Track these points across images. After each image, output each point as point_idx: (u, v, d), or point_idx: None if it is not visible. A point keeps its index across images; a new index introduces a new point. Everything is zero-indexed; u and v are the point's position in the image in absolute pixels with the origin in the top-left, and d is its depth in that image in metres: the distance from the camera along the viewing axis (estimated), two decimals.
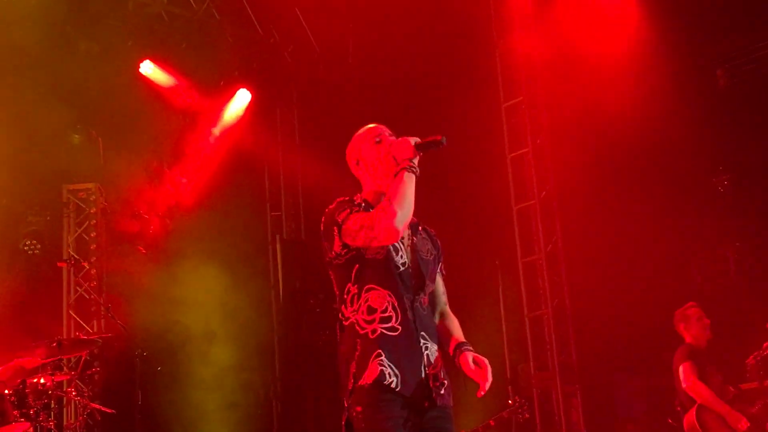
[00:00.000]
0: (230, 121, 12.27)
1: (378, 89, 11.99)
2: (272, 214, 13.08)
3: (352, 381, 4.13)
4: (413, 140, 4.42)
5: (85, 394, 8.96)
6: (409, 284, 4.27)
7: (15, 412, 7.95)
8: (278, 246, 12.59)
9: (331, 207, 4.45)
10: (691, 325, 7.77)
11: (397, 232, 4.16)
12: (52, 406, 8.98)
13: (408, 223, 4.25)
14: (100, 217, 11.28)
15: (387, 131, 4.63)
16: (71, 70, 10.56)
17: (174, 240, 11.38)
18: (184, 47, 11.78)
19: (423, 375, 4.16)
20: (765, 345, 7.71)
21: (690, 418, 7.47)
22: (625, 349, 10.91)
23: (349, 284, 4.29)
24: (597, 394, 11.37)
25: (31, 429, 7.95)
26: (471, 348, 4.34)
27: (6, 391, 8.01)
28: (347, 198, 4.46)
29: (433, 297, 4.48)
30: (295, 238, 12.93)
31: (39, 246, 10.95)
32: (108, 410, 8.92)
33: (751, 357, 7.90)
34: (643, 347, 10.43)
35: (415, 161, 4.36)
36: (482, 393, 4.23)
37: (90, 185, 11.33)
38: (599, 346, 11.23)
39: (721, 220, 10.53)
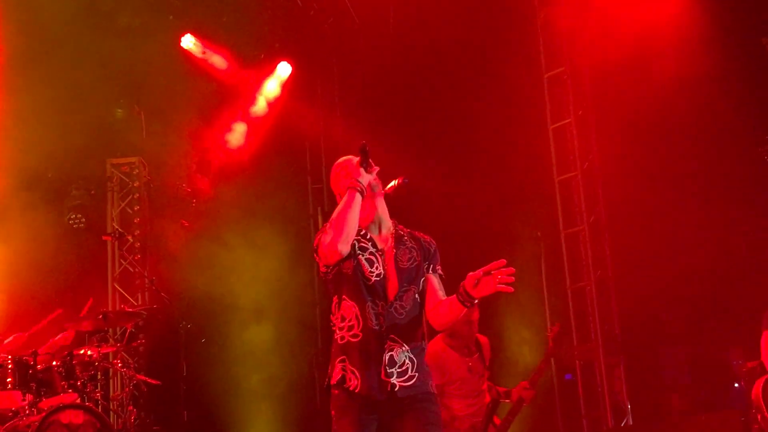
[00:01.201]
0: (271, 94, 12.28)
1: (418, 60, 11.94)
2: (313, 186, 13.10)
3: (327, 380, 4.74)
4: (355, 159, 4.85)
5: (131, 366, 9.07)
6: (383, 293, 4.71)
7: (63, 383, 8.08)
8: (320, 218, 12.62)
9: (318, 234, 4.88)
10: None
11: (336, 251, 4.64)
12: (99, 377, 9.10)
13: (350, 241, 4.66)
14: (144, 191, 11.37)
15: (352, 163, 4.94)
16: (113, 45, 10.60)
17: (216, 214, 11.44)
18: (225, 21, 11.78)
19: (384, 374, 4.61)
20: None
21: (758, 385, 7.40)
22: (668, 320, 10.84)
23: (335, 296, 4.81)
24: (640, 365, 11.31)
25: (79, 400, 8.07)
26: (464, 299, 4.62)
27: (54, 363, 8.14)
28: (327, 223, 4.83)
29: (423, 296, 4.83)
30: None
31: (84, 220, 11.06)
32: (153, 381, 9.03)
33: None
34: (687, 318, 10.36)
35: (363, 179, 4.76)
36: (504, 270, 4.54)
37: (133, 159, 11.42)
38: (642, 317, 11.16)
39: (766, 189, 10.38)
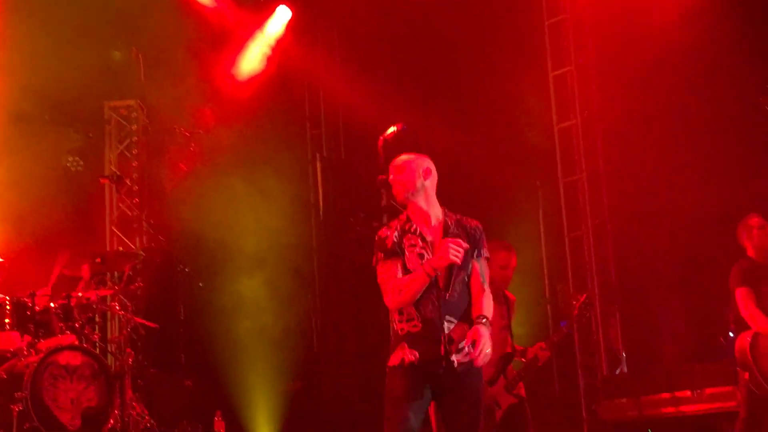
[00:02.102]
0: (270, 38, 12.19)
1: (419, 5, 11.84)
2: (312, 132, 13.04)
3: (388, 364, 5.16)
4: (453, 255, 5.05)
5: (129, 309, 9.10)
6: (435, 283, 5.07)
7: (61, 325, 8.12)
8: (318, 164, 12.60)
9: (378, 235, 5.39)
10: (753, 236, 7.40)
11: (393, 308, 5.14)
12: (97, 319, 9.17)
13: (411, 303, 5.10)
14: (142, 134, 11.34)
15: (393, 167, 5.46)
16: None
17: (214, 158, 11.41)
18: None
19: (443, 352, 5.02)
20: None
21: (744, 340, 7.24)
22: (664, 269, 10.86)
23: None
24: (636, 314, 11.36)
25: (77, 341, 8.12)
26: (483, 322, 5.11)
27: (52, 305, 8.18)
28: (384, 234, 5.35)
29: (468, 280, 5.23)
30: (336, 157, 12.92)
31: (81, 163, 11.05)
32: (151, 324, 9.07)
33: None
34: (684, 267, 10.39)
35: (438, 269, 5.07)
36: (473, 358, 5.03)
37: (131, 102, 11.37)
38: (639, 266, 11.19)
39: (766, 139, 10.35)
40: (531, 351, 7.29)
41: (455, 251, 5.02)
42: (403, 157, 5.46)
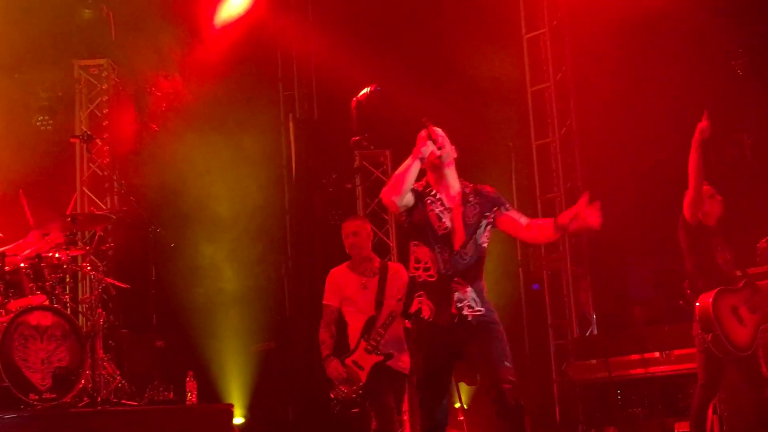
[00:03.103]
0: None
1: None
2: (285, 93, 12.95)
3: (404, 307, 5.66)
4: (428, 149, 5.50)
5: (100, 269, 9.05)
6: (450, 243, 5.46)
7: (31, 285, 8.07)
8: (291, 125, 12.54)
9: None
10: (705, 204, 7.54)
11: (391, 202, 5.45)
12: (68, 280, 9.12)
13: (402, 196, 5.41)
14: (112, 94, 11.23)
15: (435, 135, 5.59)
16: None
17: (186, 118, 11.32)
18: None
19: (455, 308, 5.39)
20: None
21: (705, 303, 7.24)
22: (635, 233, 10.93)
23: (411, 241, 5.61)
24: (606, 277, 11.47)
25: (47, 301, 8.08)
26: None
27: (22, 265, 8.12)
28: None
29: (479, 240, 5.56)
30: (308, 118, 12.86)
31: (51, 122, 10.94)
32: (122, 285, 9.04)
33: (763, 241, 7.86)
34: (654, 231, 10.45)
35: (425, 150, 5.45)
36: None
37: (101, 61, 11.24)
38: (610, 229, 11.17)
39: (738, 104, 10.40)
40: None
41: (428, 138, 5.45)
42: (436, 127, 5.65)
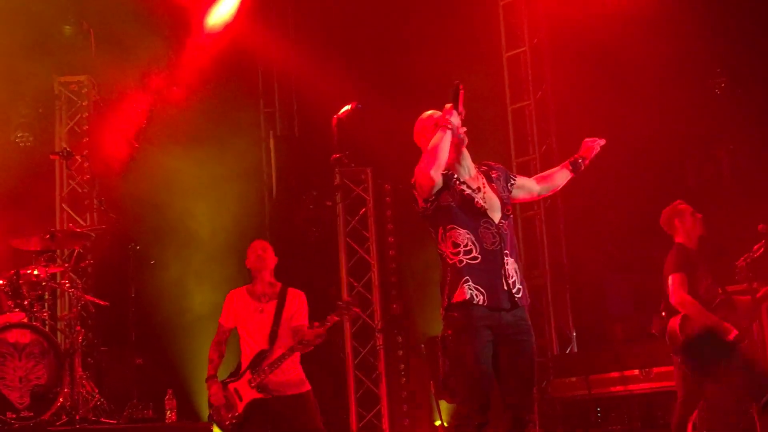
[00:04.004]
0: (224, 15, 12.07)
1: None
2: (265, 110, 12.98)
3: (447, 300, 5.19)
4: (447, 105, 5.35)
5: (79, 286, 9.01)
6: (490, 218, 5.26)
7: (9, 303, 8.02)
8: (272, 142, 12.55)
9: None
10: (686, 220, 7.51)
11: (429, 177, 5.16)
12: (46, 297, 9.06)
13: (440, 169, 5.19)
14: (93, 110, 11.21)
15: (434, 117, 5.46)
16: None
17: (166, 135, 11.32)
18: None
19: (505, 287, 5.18)
20: (755, 247, 7.61)
21: (674, 325, 7.33)
22: (615, 249, 10.98)
23: (440, 228, 5.29)
24: (586, 294, 11.49)
25: (26, 319, 8.03)
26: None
27: (0, 282, 8.07)
28: None
29: (510, 214, 5.41)
30: (289, 135, 12.87)
31: (31, 138, 10.93)
32: (101, 302, 9.00)
33: (742, 259, 7.89)
34: (634, 247, 10.51)
35: (454, 120, 5.28)
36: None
37: (82, 78, 11.23)
38: (589, 248, 11.30)
39: (716, 122, 10.48)
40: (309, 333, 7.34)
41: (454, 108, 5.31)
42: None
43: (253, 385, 7.14)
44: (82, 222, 10.82)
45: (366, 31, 12.02)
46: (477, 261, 5.17)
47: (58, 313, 9.98)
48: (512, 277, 5.21)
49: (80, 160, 10.89)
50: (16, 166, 10.49)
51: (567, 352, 11.38)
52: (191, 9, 11.86)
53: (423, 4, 11.75)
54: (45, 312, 8.61)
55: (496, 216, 5.27)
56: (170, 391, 8.65)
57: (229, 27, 11.93)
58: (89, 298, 8.90)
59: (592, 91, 10.94)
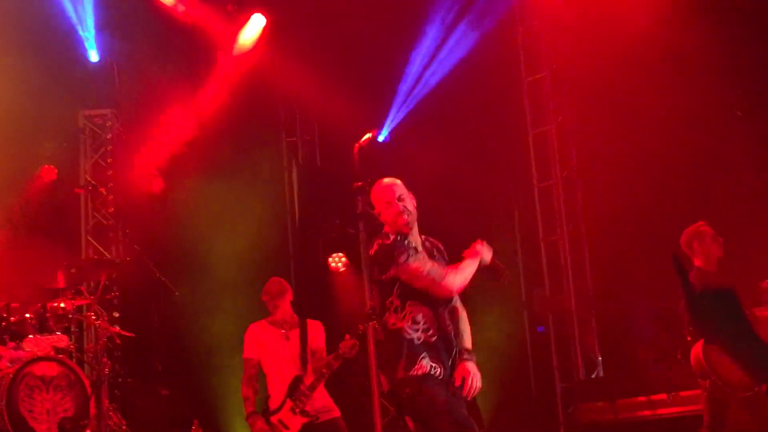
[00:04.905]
0: (245, 46, 12.17)
1: (395, 20, 11.90)
2: (288, 140, 13.04)
3: (403, 372, 5.26)
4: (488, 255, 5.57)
5: (105, 318, 9.05)
6: (445, 300, 5.39)
7: (36, 335, 8.06)
8: (294, 172, 12.60)
9: (385, 243, 5.48)
10: (705, 243, 7.47)
11: (452, 295, 5.39)
12: (72, 329, 9.12)
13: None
14: (117, 143, 11.30)
15: (397, 193, 5.60)
16: None
17: (189, 167, 11.39)
18: None
19: (450, 363, 5.31)
20: None
21: (697, 351, 7.31)
22: (640, 274, 10.92)
23: (392, 298, 5.38)
24: (612, 318, 11.43)
25: (53, 352, 8.08)
26: (467, 356, 5.39)
27: (27, 315, 8.13)
28: (391, 239, 5.49)
29: None
30: (311, 164, 12.93)
31: (56, 172, 10.99)
32: (127, 334, 9.03)
33: (766, 281, 7.84)
34: (658, 271, 10.43)
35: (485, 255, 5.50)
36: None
37: (106, 111, 11.33)
38: (614, 271, 11.25)
39: (738, 144, 10.43)
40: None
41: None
42: (392, 183, 5.67)
43: (296, 411, 7.17)
44: (107, 254, 10.90)
45: (386, 60, 12.07)
46: (434, 338, 5.30)
47: (85, 345, 10.03)
48: (463, 355, 5.36)
49: (104, 193, 10.97)
50: (42, 201, 10.59)
51: (593, 376, 11.31)
52: (213, 42, 11.97)
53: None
54: (71, 344, 8.66)
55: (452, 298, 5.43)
56: (196, 422, 8.66)
57: (249, 59, 12.03)
58: (115, 329, 8.94)
59: (613, 114, 10.91)
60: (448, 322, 5.34)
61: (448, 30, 11.83)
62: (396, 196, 5.56)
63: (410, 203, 5.54)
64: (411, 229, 5.50)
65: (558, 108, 11.79)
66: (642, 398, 9.86)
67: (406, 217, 5.49)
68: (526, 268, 11.90)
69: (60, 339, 7.88)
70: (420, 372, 5.22)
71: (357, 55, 12.14)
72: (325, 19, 12.62)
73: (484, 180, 11.77)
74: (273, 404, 7.36)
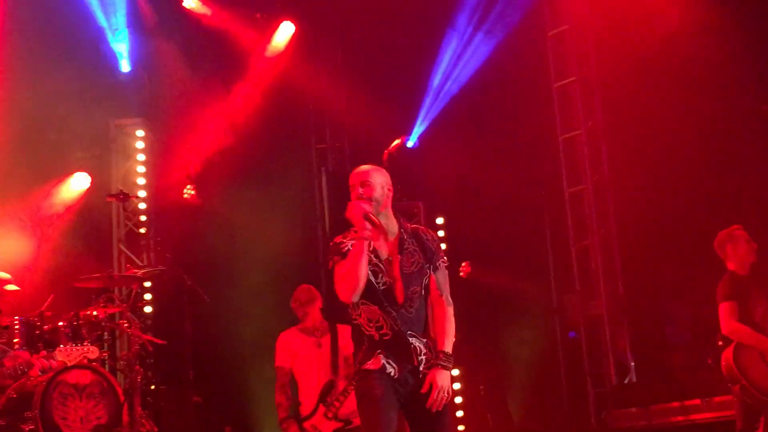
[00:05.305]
0: (274, 53, 12.22)
1: (423, 25, 11.92)
2: (317, 146, 13.06)
3: (359, 365, 5.14)
4: (364, 211, 5.13)
5: (137, 326, 9.10)
6: (392, 298, 5.12)
7: (70, 343, 8.12)
8: (324, 178, 12.62)
9: (333, 242, 5.31)
10: (739, 247, 7.43)
11: (348, 299, 5.09)
12: (105, 337, 9.17)
13: (360, 291, 5.06)
14: (148, 152, 11.37)
15: (359, 179, 5.32)
16: None
17: (220, 174, 11.43)
18: None
19: (416, 362, 5.09)
20: None
21: (727, 356, 7.28)
22: (672, 278, 10.86)
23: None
24: (644, 323, 11.36)
25: (85, 360, 8.13)
26: (442, 362, 5.10)
27: (60, 323, 8.20)
28: (339, 240, 5.27)
29: (428, 291, 5.25)
30: (341, 170, 12.93)
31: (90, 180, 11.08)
32: (159, 341, 9.08)
33: None
34: (690, 275, 10.37)
35: (366, 232, 5.07)
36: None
37: (137, 120, 11.40)
38: (646, 275, 11.19)
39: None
40: None
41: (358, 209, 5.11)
42: (363, 170, 5.35)
43: (330, 416, 7.19)
44: (139, 262, 10.96)
45: (415, 67, 12.08)
46: (388, 337, 5.09)
47: (117, 353, 10.09)
48: (420, 354, 5.11)
49: (136, 202, 11.04)
50: (74, 210, 10.69)
51: (626, 382, 11.24)
52: (243, 50, 12.02)
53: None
54: (105, 352, 8.71)
55: (400, 296, 5.14)
56: (228, 429, 8.69)
57: (279, 66, 12.08)
58: (147, 337, 8.99)
59: (643, 118, 10.86)
60: (399, 322, 5.07)
61: (476, 35, 11.82)
62: (358, 181, 5.30)
63: (378, 190, 5.25)
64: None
65: (588, 112, 11.75)
66: (675, 404, 9.80)
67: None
68: (557, 274, 11.85)
69: (91, 350, 7.91)
70: (372, 367, 5.07)
71: (385, 61, 12.16)
72: (353, 26, 12.67)
73: (515, 185, 11.75)
74: (305, 411, 7.38)
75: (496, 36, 11.74)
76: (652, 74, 10.64)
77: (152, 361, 9.42)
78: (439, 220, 11.57)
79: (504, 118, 11.79)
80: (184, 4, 11.48)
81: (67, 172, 10.88)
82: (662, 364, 11.17)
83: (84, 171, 10.99)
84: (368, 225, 5.10)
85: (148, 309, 10.55)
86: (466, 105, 11.96)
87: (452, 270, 11.34)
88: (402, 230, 5.27)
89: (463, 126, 11.95)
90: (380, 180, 5.31)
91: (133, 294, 9.48)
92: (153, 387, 9.69)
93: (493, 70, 11.70)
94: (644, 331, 11.40)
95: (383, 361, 5.07)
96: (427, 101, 11.90)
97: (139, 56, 11.31)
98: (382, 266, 5.17)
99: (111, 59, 11.18)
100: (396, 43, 11.96)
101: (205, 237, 11.01)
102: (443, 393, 5.01)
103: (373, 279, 5.12)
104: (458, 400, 10.84)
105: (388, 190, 5.30)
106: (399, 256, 5.18)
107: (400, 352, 5.08)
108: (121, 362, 9.48)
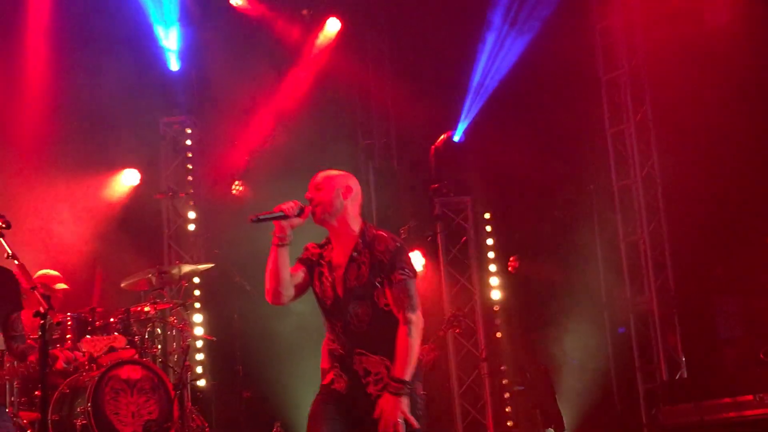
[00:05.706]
0: (320, 49, 12.25)
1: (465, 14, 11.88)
2: (364, 142, 13.08)
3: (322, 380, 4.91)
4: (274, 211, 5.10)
5: (187, 322, 9.19)
6: (338, 314, 4.82)
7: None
8: (371, 174, 12.63)
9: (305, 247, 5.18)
10: None
11: (271, 302, 5.00)
12: (156, 333, 9.26)
13: (280, 295, 4.97)
14: (196, 149, 11.45)
15: (312, 183, 5.16)
16: None
17: (267, 170, 11.48)
18: None
19: (363, 381, 4.74)
20: None
21: None
22: (722, 272, 10.73)
23: None
24: (694, 317, 11.24)
25: (137, 355, 8.22)
26: (393, 390, 4.62)
27: (111, 319, 8.29)
28: (308, 246, 5.20)
29: (376, 309, 4.81)
30: (388, 166, 12.95)
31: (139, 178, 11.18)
32: (209, 337, 9.16)
33: None
34: (741, 269, 10.25)
35: (281, 234, 5.06)
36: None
37: (185, 118, 11.48)
38: (696, 269, 11.07)
39: None
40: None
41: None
42: (323, 174, 5.12)
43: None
44: (188, 259, 11.05)
45: (460, 61, 12.05)
46: (339, 352, 4.83)
47: (167, 349, 10.19)
48: (370, 375, 4.74)
49: (185, 198, 11.13)
50: (124, 207, 10.80)
51: (677, 378, 11.13)
52: (289, 47, 12.07)
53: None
54: (155, 348, 8.80)
55: (344, 310, 4.81)
56: (278, 424, 8.73)
57: (325, 63, 12.11)
58: (197, 333, 9.06)
59: (693, 110, 10.73)
60: (343, 338, 4.77)
61: (521, 28, 11.76)
62: (312, 185, 5.11)
63: (325, 194, 5.03)
64: (323, 222, 5.03)
65: (636, 105, 11.64)
66: (727, 399, 9.67)
67: (310, 208, 5.05)
68: (607, 269, 11.76)
69: (117, 339, 7.98)
70: (322, 382, 4.86)
71: (431, 56, 12.14)
72: (399, 22, 12.67)
73: (563, 179, 11.68)
74: None
75: (541, 30, 11.66)
76: (701, 66, 10.51)
77: (202, 356, 9.50)
78: (486, 215, 11.55)
79: (551, 111, 11.72)
80: (231, 1, 11.54)
81: (116, 169, 10.99)
82: (713, 359, 11.04)
83: (134, 168, 11.10)
84: (282, 224, 5.03)
85: (197, 305, 10.62)
86: (512, 99, 11.90)
87: (501, 265, 11.36)
88: (361, 240, 4.93)
89: (510, 119, 11.89)
90: (339, 184, 5.07)
91: (182, 290, 9.57)
92: (203, 382, 9.78)
93: (539, 64, 11.63)
94: (695, 326, 11.28)
95: (333, 376, 4.81)
96: (473, 96, 11.85)
97: (187, 54, 11.39)
98: (327, 278, 4.92)
99: (160, 57, 11.28)
100: (440, 38, 11.93)
101: (254, 233, 11.04)
102: (391, 422, 4.56)
103: (319, 293, 4.93)
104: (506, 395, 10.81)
105: (345, 196, 5.05)
106: (342, 270, 4.87)
107: (347, 369, 4.78)
108: (171, 358, 9.58)
